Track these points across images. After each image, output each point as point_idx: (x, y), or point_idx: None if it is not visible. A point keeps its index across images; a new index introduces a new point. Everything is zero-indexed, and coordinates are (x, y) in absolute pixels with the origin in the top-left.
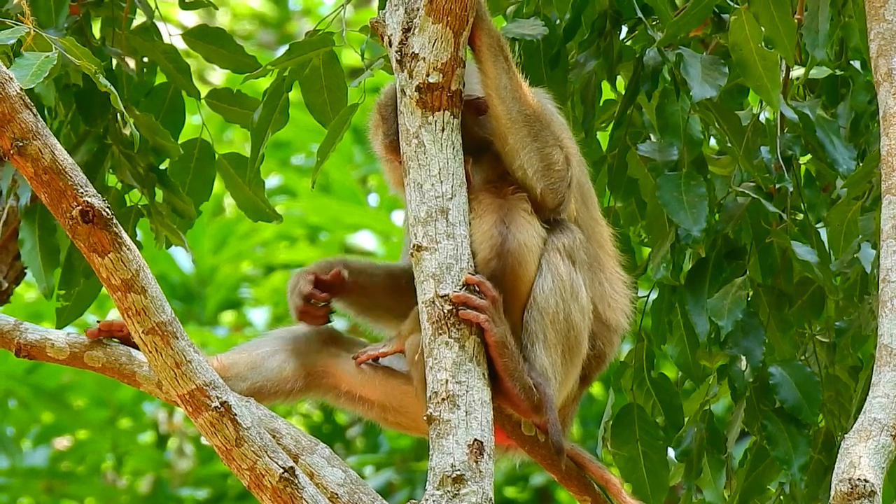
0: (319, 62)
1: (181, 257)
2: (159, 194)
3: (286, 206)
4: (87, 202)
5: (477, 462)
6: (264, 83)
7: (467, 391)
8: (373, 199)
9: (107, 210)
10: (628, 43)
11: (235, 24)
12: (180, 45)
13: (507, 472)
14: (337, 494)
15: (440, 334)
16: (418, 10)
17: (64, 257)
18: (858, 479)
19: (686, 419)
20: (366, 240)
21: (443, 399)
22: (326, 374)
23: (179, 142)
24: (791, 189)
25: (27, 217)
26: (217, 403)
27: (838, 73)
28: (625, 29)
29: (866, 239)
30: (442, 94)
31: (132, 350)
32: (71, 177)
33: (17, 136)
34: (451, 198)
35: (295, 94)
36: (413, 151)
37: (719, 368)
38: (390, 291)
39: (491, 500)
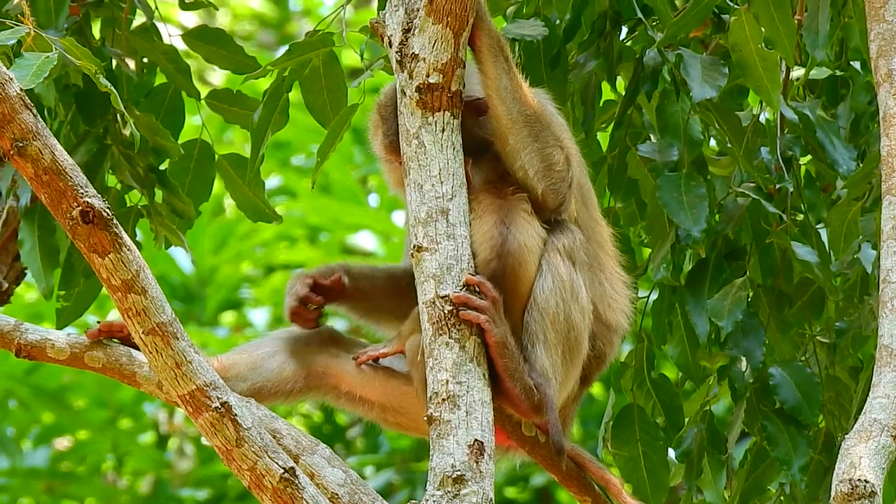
0: (319, 63)
1: (181, 258)
2: (159, 195)
3: (286, 206)
4: (88, 203)
5: (477, 462)
6: (264, 84)
7: (468, 391)
8: (373, 200)
9: (107, 210)
10: (628, 43)
11: (235, 25)
12: (180, 45)
13: (508, 473)
14: (337, 495)
15: (440, 335)
16: (418, 10)
17: (64, 258)
18: (859, 479)
19: (686, 420)
20: (366, 240)
21: (443, 399)
22: (327, 375)
23: (179, 142)
24: (791, 190)
25: (27, 217)
26: (217, 404)
27: (838, 73)
28: (625, 29)
29: (866, 239)
30: (442, 94)
31: (132, 350)
32: (71, 177)
33: (17, 136)
34: (452, 198)
35: (295, 95)
36: (413, 152)
37: (719, 369)
38: (391, 293)
39: (491, 500)
